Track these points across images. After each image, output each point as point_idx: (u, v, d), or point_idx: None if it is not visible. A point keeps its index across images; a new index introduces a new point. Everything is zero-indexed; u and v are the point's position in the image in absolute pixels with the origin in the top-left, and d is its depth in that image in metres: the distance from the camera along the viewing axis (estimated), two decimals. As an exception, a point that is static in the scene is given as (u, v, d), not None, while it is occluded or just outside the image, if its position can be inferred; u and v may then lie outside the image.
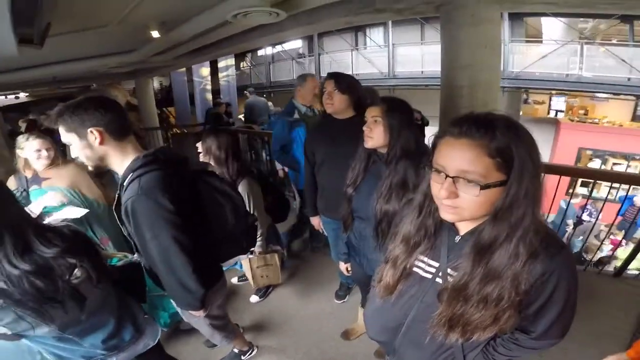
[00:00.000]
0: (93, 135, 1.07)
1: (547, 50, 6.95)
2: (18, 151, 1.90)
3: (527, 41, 7.45)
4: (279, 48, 11.28)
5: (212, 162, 1.97)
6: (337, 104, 1.74)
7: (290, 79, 10.95)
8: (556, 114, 9.59)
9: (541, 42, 7.48)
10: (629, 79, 6.35)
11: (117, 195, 1.17)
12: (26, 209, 1.17)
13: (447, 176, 0.65)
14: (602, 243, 3.73)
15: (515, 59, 7.13)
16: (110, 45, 4.43)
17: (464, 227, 0.76)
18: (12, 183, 1.94)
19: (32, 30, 1.94)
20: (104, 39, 3.81)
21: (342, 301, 2.39)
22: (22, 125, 5.83)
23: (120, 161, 1.14)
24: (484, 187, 0.63)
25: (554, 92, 8.65)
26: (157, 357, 1.33)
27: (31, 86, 8.33)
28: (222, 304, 1.55)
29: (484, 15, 2.55)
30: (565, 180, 2.77)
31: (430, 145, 0.73)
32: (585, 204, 4.84)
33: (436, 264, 0.79)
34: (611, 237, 4.70)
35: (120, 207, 1.13)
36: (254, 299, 2.47)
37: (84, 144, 1.09)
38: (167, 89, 11.55)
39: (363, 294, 1.87)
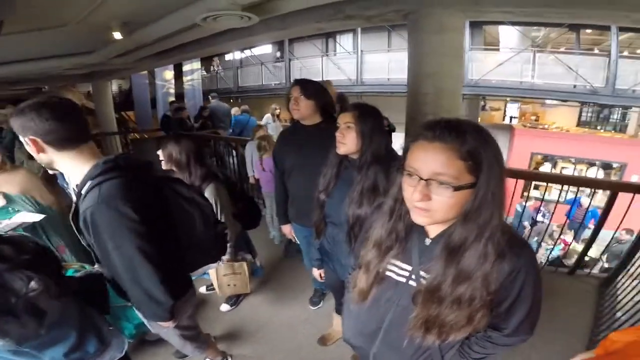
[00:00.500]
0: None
1: (503, 58, 7.36)
2: None
3: (486, 49, 7.85)
4: (247, 53, 11.12)
5: (174, 169, 1.89)
6: (304, 110, 1.73)
7: (258, 84, 10.82)
8: (510, 120, 10.28)
9: (498, 50, 7.92)
10: (574, 86, 6.88)
11: (74, 204, 1.09)
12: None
13: (420, 179, 0.67)
14: (555, 243, 4.06)
15: (474, 67, 7.43)
16: (68, 45, 4.17)
17: (434, 230, 0.78)
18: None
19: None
20: (62, 39, 3.58)
21: (316, 307, 2.38)
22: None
23: (73, 168, 1.07)
24: (456, 188, 0.65)
25: (509, 98, 9.24)
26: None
27: (-28, 87, 7.59)
28: (192, 314, 1.50)
29: (449, 24, 2.61)
30: (521, 183, 2.96)
31: (402, 150, 0.75)
32: (539, 207, 5.17)
33: (409, 267, 0.81)
34: (562, 237, 5.06)
35: (78, 217, 1.06)
36: (225, 307, 2.39)
37: (30, 149, 1.02)
38: (127, 92, 10.94)
39: (337, 299, 1.88)
